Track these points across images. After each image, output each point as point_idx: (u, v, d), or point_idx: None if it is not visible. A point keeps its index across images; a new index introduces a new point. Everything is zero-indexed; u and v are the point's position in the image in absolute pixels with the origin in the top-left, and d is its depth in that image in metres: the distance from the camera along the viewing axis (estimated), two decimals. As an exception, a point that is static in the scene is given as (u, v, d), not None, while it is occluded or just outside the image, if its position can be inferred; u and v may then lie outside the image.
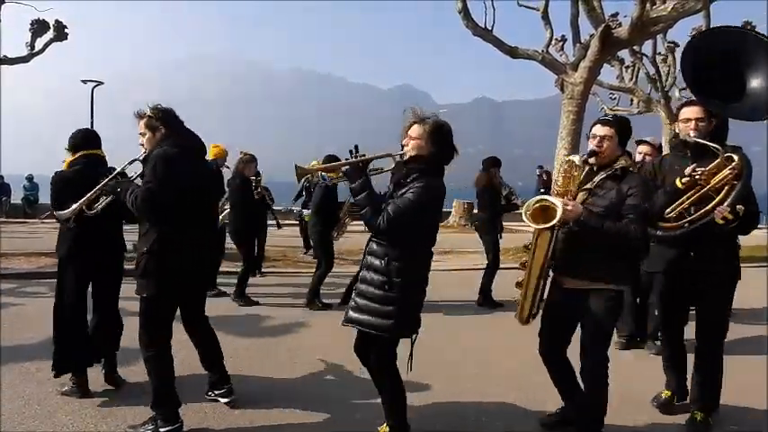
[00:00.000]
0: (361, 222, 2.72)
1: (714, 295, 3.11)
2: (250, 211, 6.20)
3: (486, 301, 6.19)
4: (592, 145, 2.84)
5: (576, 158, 2.82)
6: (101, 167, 3.47)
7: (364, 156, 2.70)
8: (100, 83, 20.35)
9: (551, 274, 2.93)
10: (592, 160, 2.79)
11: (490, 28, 11.08)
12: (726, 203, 2.80)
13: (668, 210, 2.96)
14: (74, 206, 3.21)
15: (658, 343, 4.24)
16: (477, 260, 9.54)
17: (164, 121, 3.04)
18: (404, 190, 2.59)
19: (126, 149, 3.50)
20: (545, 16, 11.74)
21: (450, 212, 16.04)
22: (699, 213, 2.86)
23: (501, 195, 6.35)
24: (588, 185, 2.81)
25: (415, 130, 2.63)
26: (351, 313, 2.71)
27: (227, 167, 6.38)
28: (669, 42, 16.50)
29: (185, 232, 2.93)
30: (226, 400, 3.32)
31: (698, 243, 2.98)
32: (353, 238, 7.74)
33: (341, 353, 3.90)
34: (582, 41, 11.12)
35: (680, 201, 2.93)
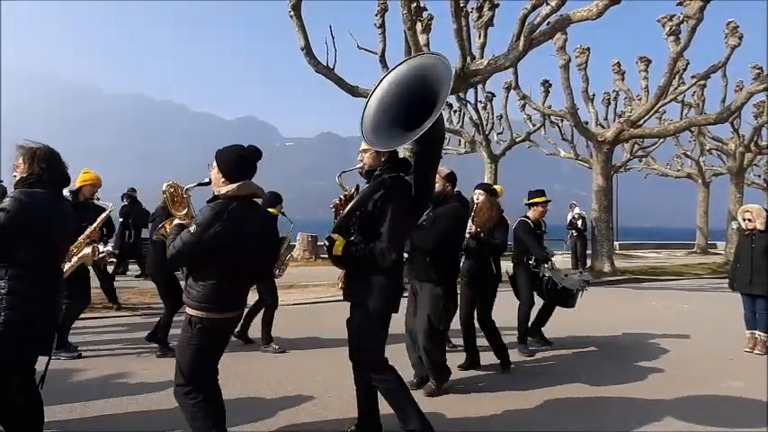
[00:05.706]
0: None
1: (352, 327, 3.10)
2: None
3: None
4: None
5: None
6: None
7: None
8: None
9: None
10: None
11: (332, 66, 11.49)
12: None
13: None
14: None
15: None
16: (321, 293, 9.54)
17: None
18: None
19: None
20: (382, 59, 12.49)
21: (295, 245, 15.73)
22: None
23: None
24: None
25: (17, 157, 2.83)
26: None
27: (98, 198, 5.61)
28: (487, 92, 18.82)
29: None
30: None
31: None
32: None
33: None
34: (415, 86, 12.06)
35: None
